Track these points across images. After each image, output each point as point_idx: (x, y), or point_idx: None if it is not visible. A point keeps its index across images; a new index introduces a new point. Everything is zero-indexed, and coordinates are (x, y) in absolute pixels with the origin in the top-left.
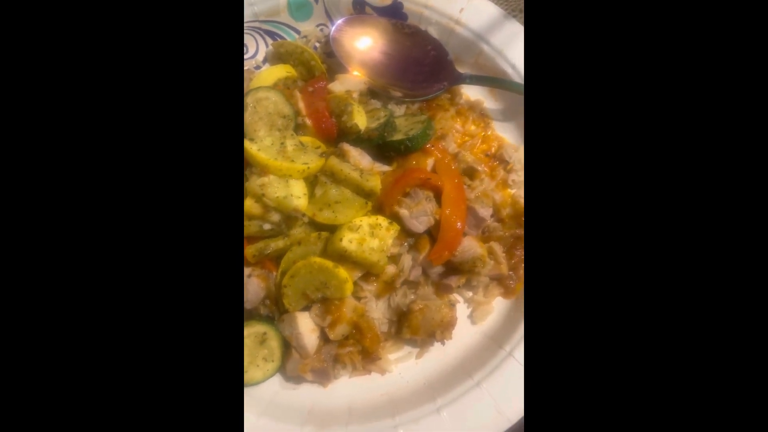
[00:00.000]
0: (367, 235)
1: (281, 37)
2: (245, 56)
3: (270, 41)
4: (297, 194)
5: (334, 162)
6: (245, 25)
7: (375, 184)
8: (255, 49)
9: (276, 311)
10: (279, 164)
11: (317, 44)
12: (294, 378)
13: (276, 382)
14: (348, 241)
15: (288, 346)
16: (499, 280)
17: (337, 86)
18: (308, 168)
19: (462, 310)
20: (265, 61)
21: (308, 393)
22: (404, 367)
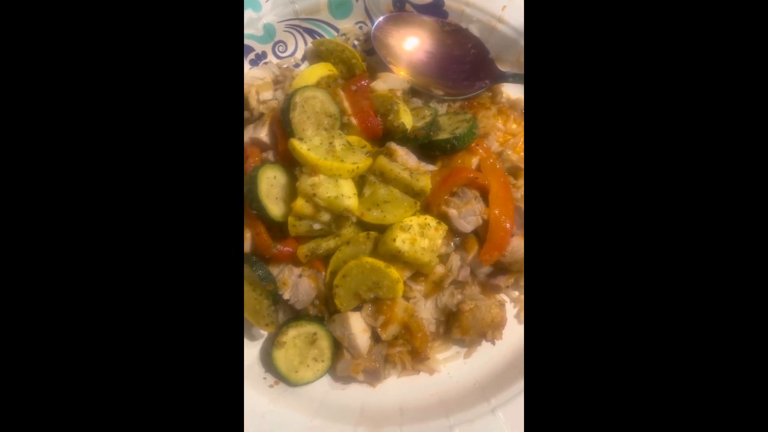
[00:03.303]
0: (418, 235)
1: (320, 35)
2: (284, 54)
3: (308, 39)
4: (347, 194)
5: (384, 162)
6: (285, 23)
7: (425, 184)
8: (294, 46)
9: (326, 311)
10: (329, 164)
11: (356, 42)
12: (343, 378)
13: (325, 383)
14: (401, 241)
15: (338, 346)
16: None
17: (380, 85)
18: (357, 168)
19: (508, 309)
20: (303, 58)
21: (357, 393)
22: (452, 366)
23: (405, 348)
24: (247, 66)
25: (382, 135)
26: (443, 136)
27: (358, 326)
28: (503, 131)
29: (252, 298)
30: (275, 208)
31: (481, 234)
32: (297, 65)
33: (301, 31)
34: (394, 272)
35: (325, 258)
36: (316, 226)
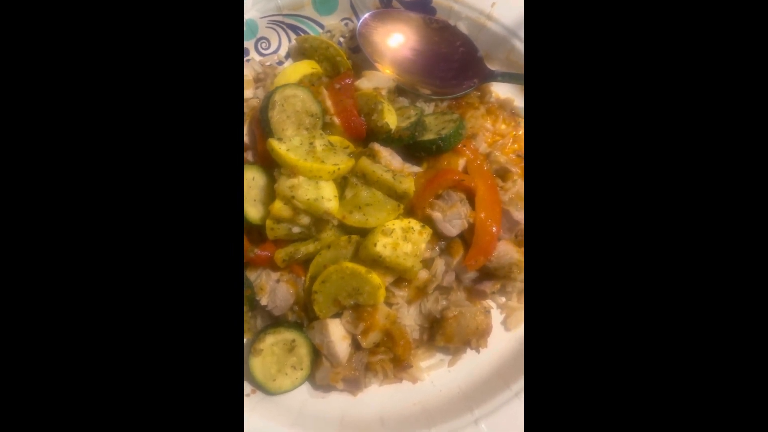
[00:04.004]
0: (400, 239)
1: (304, 32)
2: (267, 51)
3: (293, 36)
4: (328, 196)
5: (366, 163)
6: (267, 19)
7: (409, 186)
8: (277, 43)
9: (305, 318)
10: (309, 165)
11: (341, 39)
12: (322, 386)
13: (304, 391)
14: (382, 245)
15: (317, 353)
16: None
17: (365, 83)
18: (338, 169)
19: (494, 316)
20: (287, 56)
21: (337, 402)
22: (436, 375)
23: (387, 356)
24: None
25: (366, 135)
26: (429, 136)
27: (337, 333)
28: (492, 132)
29: None
30: (253, 211)
31: (467, 238)
32: (280, 63)
33: (284, 27)
34: (376, 278)
35: (305, 263)
36: (295, 230)
